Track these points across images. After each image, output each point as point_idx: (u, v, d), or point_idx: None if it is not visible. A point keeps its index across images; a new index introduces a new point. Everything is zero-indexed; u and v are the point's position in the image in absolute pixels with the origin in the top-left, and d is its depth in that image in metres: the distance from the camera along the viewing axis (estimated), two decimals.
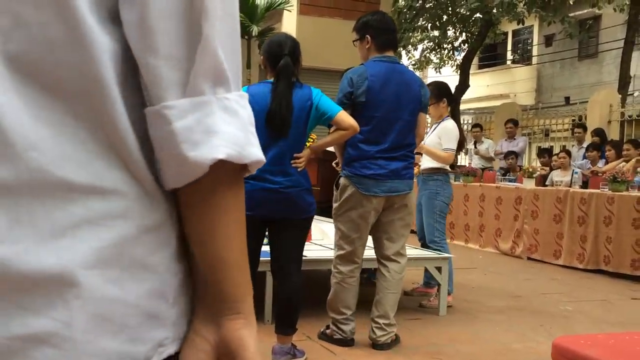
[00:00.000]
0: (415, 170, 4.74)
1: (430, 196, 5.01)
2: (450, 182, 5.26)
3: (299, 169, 3.29)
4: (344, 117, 3.33)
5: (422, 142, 4.66)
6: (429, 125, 6.05)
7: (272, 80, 3.31)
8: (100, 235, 0.60)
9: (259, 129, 2.96)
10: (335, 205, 3.78)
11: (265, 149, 3.17)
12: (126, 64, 0.63)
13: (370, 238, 3.89)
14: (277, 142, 3.22)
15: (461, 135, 5.22)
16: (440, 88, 5.20)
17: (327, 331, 3.88)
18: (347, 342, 3.78)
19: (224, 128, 0.64)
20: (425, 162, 5.07)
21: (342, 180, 3.72)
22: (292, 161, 3.27)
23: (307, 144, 3.45)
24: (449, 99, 5.21)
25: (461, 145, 5.32)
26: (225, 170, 0.65)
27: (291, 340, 3.46)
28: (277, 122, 3.19)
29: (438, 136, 5.00)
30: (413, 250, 5.04)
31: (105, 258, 0.60)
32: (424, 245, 5.09)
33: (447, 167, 5.16)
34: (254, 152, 0.67)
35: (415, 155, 4.14)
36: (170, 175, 0.65)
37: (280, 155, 3.24)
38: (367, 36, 3.73)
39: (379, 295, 3.81)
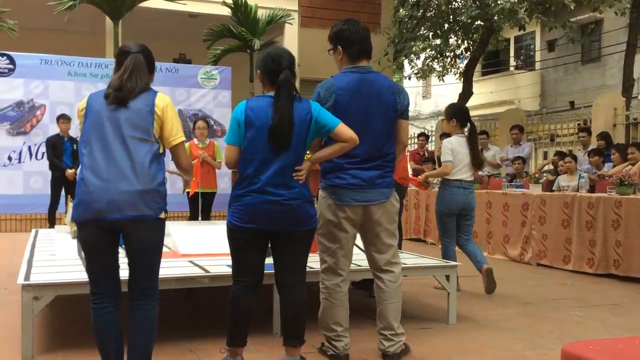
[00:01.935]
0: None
1: (436, 202, 6.20)
2: (452, 191, 6.00)
3: (300, 182, 3.30)
4: (344, 129, 3.34)
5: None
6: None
7: (271, 94, 3.32)
8: None
9: (261, 143, 2.99)
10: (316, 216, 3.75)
11: (267, 163, 3.22)
12: None
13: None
14: (279, 156, 3.24)
15: (475, 152, 5.92)
16: (451, 108, 6.16)
17: (324, 347, 3.82)
18: (340, 358, 3.67)
19: None
20: None
21: (320, 192, 3.73)
22: (293, 174, 3.28)
23: (306, 156, 3.45)
24: (458, 118, 5.93)
25: (479, 165, 5.96)
26: None
27: (300, 352, 3.44)
28: (279, 136, 3.21)
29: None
30: (420, 259, 5.03)
31: None
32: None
33: (450, 177, 5.95)
34: None
35: None
36: None
37: (282, 168, 3.25)
38: (339, 47, 3.69)
39: (379, 308, 3.77)
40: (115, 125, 2.94)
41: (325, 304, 3.69)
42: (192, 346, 3.97)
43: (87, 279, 3.03)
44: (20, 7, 11.70)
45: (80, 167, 3.01)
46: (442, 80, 19.32)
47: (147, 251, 2.99)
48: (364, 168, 3.61)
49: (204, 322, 4.66)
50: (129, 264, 3.02)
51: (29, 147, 11.40)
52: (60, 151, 9.58)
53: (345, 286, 3.73)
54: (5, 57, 11.25)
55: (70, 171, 9.39)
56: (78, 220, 2.95)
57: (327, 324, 3.69)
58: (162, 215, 3.00)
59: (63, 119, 9.62)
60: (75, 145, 9.41)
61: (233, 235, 3.35)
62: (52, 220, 9.68)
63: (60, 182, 9.59)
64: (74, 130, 9.34)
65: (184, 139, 3.12)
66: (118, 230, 2.96)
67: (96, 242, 2.95)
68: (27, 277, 3.75)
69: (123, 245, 3.03)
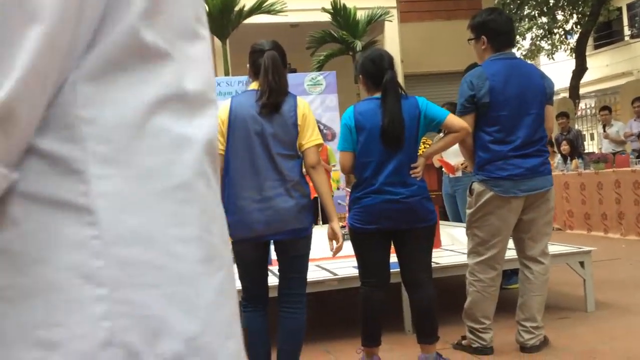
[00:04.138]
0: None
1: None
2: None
3: (417, 179, 3.30)
4: (454, 119, 3.34)
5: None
6: None
7: (377, 96, 3.34)
8: None
9: (375, 144, 2.99)
10: (469, 211, 3.63)
11: (383, 164, 3.26)
12: None
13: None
14: (394, 155, 3.27)
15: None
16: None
17: (464, 342, 3.76)
18: (486, 350, 3.65)
19: None
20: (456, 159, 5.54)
21: (476, 185, 3.58)
22: (410, 171, 3.28)
23: (420, 151, 3.44)
24: None
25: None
26: None
27: (435, 349, 3.43)
28: (392, 136, 3.24)
29: None
30: (551, 247, 4.85)
31: None
32: None
33: None
34: None
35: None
36: None
37: (397, 167, 3.27)
38: (483, 37, 3.60)
39: (523, 298, 3.66)
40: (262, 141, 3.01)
41: (475, 297, 3.62)
42: (329, 347, 4.06)
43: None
44: None
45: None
46: (552, 58, 18.56)
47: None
48: (526, 155, 3.50)
49: (336, 323, 4.74)
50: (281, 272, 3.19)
51: None
52: None
53: (499, 280, 3.66)
54: None
55: None
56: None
57: (475, 316, 3.63)
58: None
59: None
60: None
61: (356, 237, 3.41)
62: None
63: None
64: None
65: (320, 141, 3.15)
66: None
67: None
68: None
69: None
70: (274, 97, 3.00)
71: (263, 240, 3.09)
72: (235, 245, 3.06)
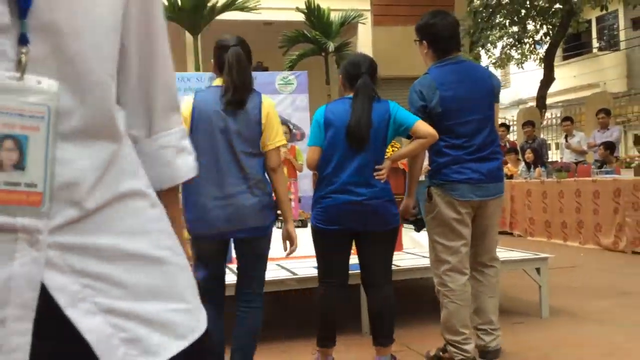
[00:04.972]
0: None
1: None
2: None
3: (381, 181, 3.32)
4: (421, 125, 3.31)
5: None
6: None
7: (350, 96, 3.39)
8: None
9: (340, 142, 3.04)
10: (428, 217, 3.52)
11: (345, 161, 3.28)
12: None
13: None
14: (358, 155, 3.29)
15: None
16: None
17: (445, 355, 3.65)
18: None
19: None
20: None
21: (433, 190, 3.47)
22: (374, 173, 3.30)
23: (388, 153, 3.47)
24: None
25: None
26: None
27: (390, 351, 3.47)
28: (356, 136, 3.26)
29: None
30: (509, 253, 4.94)
31: None
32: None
33: None
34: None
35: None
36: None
37: (361, 167, 3.29)
38: (424, 41, 3.53)
39: (477, 303, 3.57)
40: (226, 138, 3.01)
41: (452, 308, 3.42)
42: (285, 347, 4.07)
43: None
44: None
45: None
46: (522, 67, 18.82)
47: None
48: (482, 158, 3.43)
49: (294, 324, 4.75)
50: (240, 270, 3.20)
51: None
52: None
53: (469, 286, 3.52)
54: None
55: None
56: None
57: (454, 328, 3.43)
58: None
59: None
60: None
61: (317, 237, 3.43)
62: None
63: None
64: None
65: (284, 142, 3.18)
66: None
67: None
68: None
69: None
70: (239, 94, 3.01)
71: (223, 237, 3.10)
72: (194, 241, 3.06)
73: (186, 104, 3.05)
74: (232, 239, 3.18)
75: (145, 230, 0.88)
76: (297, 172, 8.42)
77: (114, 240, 0.83)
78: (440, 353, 3.68)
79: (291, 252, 3.28)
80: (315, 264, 3.64)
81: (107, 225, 0.83)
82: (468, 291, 3.48)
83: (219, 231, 3.03)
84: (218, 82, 3.11)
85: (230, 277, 3.36)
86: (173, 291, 0.89)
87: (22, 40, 0.74)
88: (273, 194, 3.14)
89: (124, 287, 0.83)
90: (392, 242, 3.46)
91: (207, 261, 3.09)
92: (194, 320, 0.92)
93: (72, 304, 0.78)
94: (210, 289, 3.11)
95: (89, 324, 0.79)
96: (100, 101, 0.83)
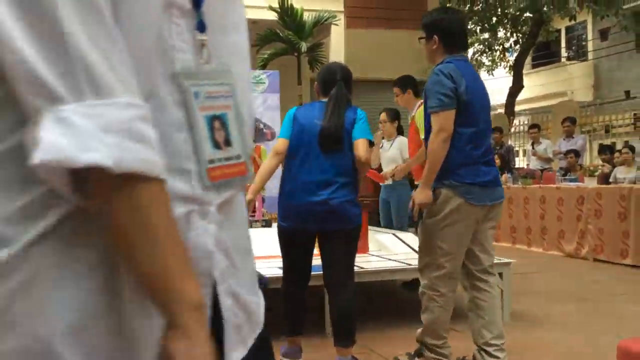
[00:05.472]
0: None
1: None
2: None
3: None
4: (361, 145, 3.33)
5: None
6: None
7: (324, 100, 3.52)
8: None
9: (306, 141, 3.11)
10: (431, 220, 3.28)
11: (311, 161, 3.33)
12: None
13: None
14: (323, 155, 3.36)
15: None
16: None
17: (420, 359, 3.54)
18: None
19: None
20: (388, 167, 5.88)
21: (443, 191, 3.22)
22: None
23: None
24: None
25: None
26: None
27: (351, 353, 3.48)
28: (328, 138, 3.35)
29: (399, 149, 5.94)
30: None
31: None
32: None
33: None
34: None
35: None
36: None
37: (326, 168, 3.36)
38: (435, 36, 3.35)
39: (488, 315, 3.35)
40: None
41: (438, 312, 3.33)
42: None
43: None
44: None
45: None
46: (492, 74, 19.07)
47: None
48: (487, 162, 3.30)
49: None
50: None
51: None
52: None
53: (456, 291, 3.44)
54: None
55: None
56: None
57: (437, 333, 3.37)
58: None
59: None
60: None
61: (281, 235, 3.51)
62: None
63: None
64: None
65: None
66: None
67: None
68: None
69: None
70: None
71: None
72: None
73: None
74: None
75: (245, 223, 0.98)
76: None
77: (235, 230, 0.91)
78: (416, 358, 3.59)
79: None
80: (280, 264, 3.67)
81: (233, 214, 0.91)
82: (454, 297, 3.41)
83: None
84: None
85: None
86: (255, 283, 0.97)
87: (200, 28, 0.83)
88: None
89: (241, 275, 0.91)
90: (353, 241, 3.48)
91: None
92: (262, 315, 1.00)
93: (220, 281, 0.86)
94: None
95: (225, 303, 0.87)
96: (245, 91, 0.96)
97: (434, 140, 3.15)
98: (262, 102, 12.73)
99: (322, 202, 3.31)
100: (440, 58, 3.34)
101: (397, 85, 5.36)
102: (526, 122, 17.70)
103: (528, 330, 4.44)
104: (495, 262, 4.74)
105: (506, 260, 4.81)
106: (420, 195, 3.26)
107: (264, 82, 12.70)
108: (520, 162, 15.41)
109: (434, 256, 3.30)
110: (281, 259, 3.62)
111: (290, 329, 3.56)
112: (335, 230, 3.38)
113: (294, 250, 3.49)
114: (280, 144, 3.51)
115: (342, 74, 3.56)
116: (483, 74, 21.32)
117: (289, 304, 3.54)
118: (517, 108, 17.17)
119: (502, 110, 16.68)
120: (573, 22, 15.40)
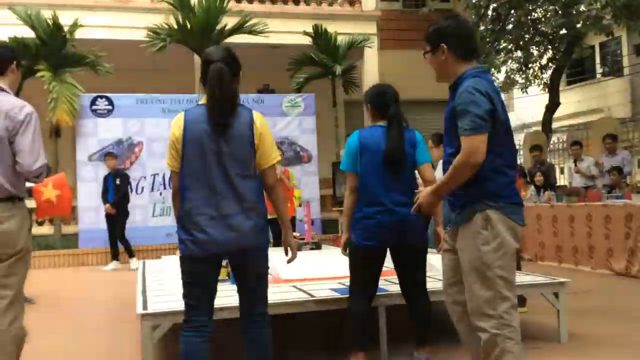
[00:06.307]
0: None
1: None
2: None
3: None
4: (428, 169, 3.80)
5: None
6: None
7: (382, 124, 3.79)
8: None
9: (377, 167, 3.14)
10: (487, 247, 2.84)
11: (383, 183, 3.61)
12: None
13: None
14: (395, 177, 3.70)
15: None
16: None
17: None
18: None
19: None
20: None
21: (493, 216, 2.85)
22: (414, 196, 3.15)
23: None
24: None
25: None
26: None
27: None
28: (393, 160, 3.67)
29: None
30: (525, 277, 4.89)
31: None
32: None
33: None
34: None
35: None
36: None
37: (398, 188, 3.69)
38: (443, 45, 2.95)
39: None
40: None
41: (516, 350, 2.81)
42: None
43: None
44: (115, 50, 12.28)
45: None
46: (526, 92, 18.89)
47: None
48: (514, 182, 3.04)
49: (315, 346, 4.69)
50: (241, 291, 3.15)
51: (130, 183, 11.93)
52: (105, 187, 10.37)
53: None
54: (104, 99, 11.93)
55: (106, 206, 10.19)
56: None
57: None
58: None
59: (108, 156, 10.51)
60: (117, 180, 10.17)
61: (356, 252, 3.77)
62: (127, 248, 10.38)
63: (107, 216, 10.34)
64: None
65: (279, 158, 3.13)
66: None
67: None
68: (145, 307, 3.90)
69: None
70: (223, 116, 2.91)
71: (219, 258, 3.06)
72: (187, 261, 2.98)
73: (177, 123, 2.98)
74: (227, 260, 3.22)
75: None
76: (291, 192, 8.46)
77: None
78: None
79: (291, 259, 3.26)
80: (333, 286, 4.00)
81: None
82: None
83: (216, 250, 2.94)
84: (204, 100, 2.99)
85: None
86: None
87: None
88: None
89: None
90: (422, 254, 3.86)
91: (199, 280, 2.99)
92: None
93: None
94: (199, 309, 3.00)
95: None
96: None
97: (462, 163, 2.77)
98: (298, 124, 12.79)
99: (401, 219, 3.66)
100: (454, 69, 2.96)
101: (432, 140, 5.86)
102: (564, 139, 17.46)
103: (587, 350, 4.30)
104: (549, 281, 4.67)
105: (561, 279, 4.69)
106: (429, 198, 2.96)
107: (300, 105, 12.77)
108: (559, 179, 15.18)
109: (498, 289, 2.84)
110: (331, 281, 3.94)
111: (358, 342, 3.73)
112: (411, 244, 3.75)
113: (370, 267, 3.77)
114: (352, 180, 3.78)
115: (391, 95, 3.82)
116: (516, 92, 21.12)
117: (358, 321, 3.74)
118: (554, 125, 16.96)
119: (536, 128, 16.46)
120: (608, 38, 15.20)
